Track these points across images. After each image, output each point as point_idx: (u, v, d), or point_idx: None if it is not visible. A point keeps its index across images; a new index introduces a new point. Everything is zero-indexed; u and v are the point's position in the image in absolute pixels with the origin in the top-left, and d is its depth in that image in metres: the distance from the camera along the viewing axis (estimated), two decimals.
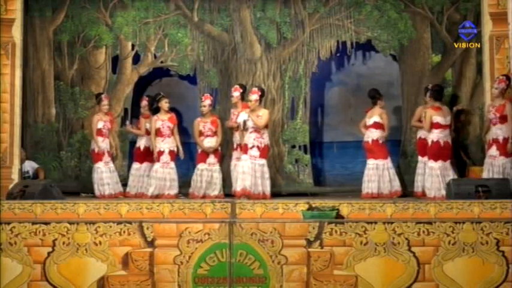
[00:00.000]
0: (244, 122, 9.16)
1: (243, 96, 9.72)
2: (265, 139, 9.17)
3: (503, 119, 8.70)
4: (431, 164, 8.92)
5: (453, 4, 10.43)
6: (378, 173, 9.40)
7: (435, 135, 8.96)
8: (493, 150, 8.73)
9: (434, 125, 8.97)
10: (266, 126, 9.24)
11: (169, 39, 10.85)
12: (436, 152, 8.93)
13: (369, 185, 9.39)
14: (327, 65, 11.06)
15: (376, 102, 9.60)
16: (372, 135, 9.49)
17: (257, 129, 9.10)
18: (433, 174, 8.88)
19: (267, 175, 9.11)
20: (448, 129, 9.07)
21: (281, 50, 10.83)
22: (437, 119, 8.97)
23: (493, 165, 8.69)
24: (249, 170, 8.96)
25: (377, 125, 9.48)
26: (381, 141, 9.49)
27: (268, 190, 9.07)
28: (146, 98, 10.18)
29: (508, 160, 8.61)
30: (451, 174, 8.86)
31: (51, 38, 10.72)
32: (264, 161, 9.12)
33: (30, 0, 10.42)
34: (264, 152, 9.13)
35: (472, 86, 10.31)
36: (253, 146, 9.07)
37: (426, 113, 9.11)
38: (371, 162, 9.46)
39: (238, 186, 8.94)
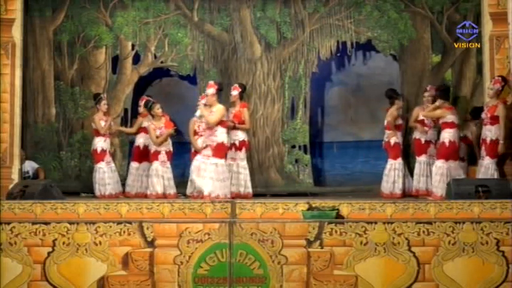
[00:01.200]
0: (200, 117, 8.88)
1: (242, 96, 9.73)
2: (218, 137, 8.66)
3: (493, 119, 8.68)
4: (441, 163, 8.83)
5: (453, 4, 10.44)
6: (385, 173, 9.47)
7: (451, 135, 8.84)
8: (482, 151, 8.77)
9: (449, 124, 8.87)
10: (221, 123, 8.72)
11: (169, 39, 10.86)
12: (451, 152, 8.82)
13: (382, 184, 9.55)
14: (327, 65, 11.07)
15: (394, 102, 9.58)
16: (385, 136, 9.58)
17: (209, 127, 8.72)
18: (442, 174, 8.79)
19: (222, 176, 8.61)
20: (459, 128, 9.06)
21: (281, 50, 10.84)
22: (452, 118, 8.89)
23: (481, 166, 8.74)
24: (204, 172, 8.55)
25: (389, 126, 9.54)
26: (392, 142, 9.50)
27: (226, 192, 8.65)
28: (146, 97, 10.16)
29: (492, 161, 8.62)
30: (462, 174, 8.89)
31: (51, 38, 10.72)
32: (218, 161, 8.62)
33: (30, 0, 10.43)
34: (217, 151, 8.62)
35: (472, 86, 10.31)
36: (206, 146, 8.75)
37: (440, 112, 9.04)
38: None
39: (205, 190, 8.53)
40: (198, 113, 8.90)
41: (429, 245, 6.69)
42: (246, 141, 9.57)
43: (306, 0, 10.78)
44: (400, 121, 9.64)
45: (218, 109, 8.74)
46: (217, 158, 8.62)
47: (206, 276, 6.73)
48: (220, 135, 8.70)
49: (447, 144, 8.85)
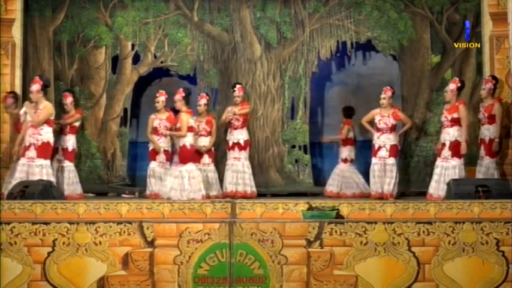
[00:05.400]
0: (25, 114, 8.50)
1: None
2: (43, 136, 8.29)
3: (491, 119, 8.74)
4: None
5: (453, 4, 10.45)
6: None
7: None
8: (481, 151, 8.80)
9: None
10: (47, 123, 8.39)
11: (169, 39, 10.87)
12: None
13: None
14: (327, 65, 11.08)
15: None
16: None
17: (34, 125, 8.31)
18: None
19: (48, 178, 8.20)
20: None
21: (281, 50, 10.85)
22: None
23: (481, 166, 8.79)
24: (31, 176, 8.18)
25: None
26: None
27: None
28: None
29: (492, 161, 8.67)
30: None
31: (51, 38, 10.73)
32: (43, 162, 8.22)
33: (30, 0, 10.43)
34: (42, 151, 8.24)
35: (471, 87, 10.31)
36: (30, 145, 8.31)
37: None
38: None
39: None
40: (22, 111, 8.60)
41: (429, 245, 6.69)
42: (249, 140, 9.63)
43: (306, 0, 10.79)
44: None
45: (45, 107, 8.38)
46: (42, 158, 8.27)
47: (206, 276, 6.72)
48: (46, 134, 8.34)
49: (188, 147, 8.85)
